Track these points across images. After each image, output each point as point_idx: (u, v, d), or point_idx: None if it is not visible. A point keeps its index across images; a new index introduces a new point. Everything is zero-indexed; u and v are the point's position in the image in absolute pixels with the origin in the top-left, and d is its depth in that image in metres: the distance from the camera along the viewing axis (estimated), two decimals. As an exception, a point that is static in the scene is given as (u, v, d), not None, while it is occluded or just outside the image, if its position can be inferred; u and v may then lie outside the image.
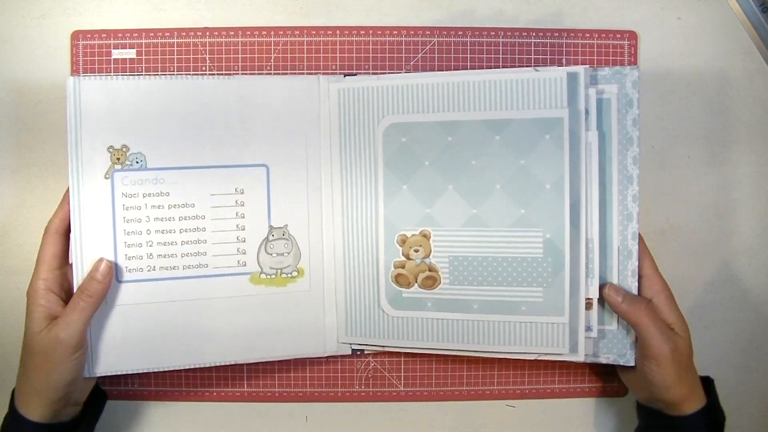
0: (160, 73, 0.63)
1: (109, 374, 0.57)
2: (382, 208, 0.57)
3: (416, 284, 0.56)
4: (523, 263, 0.53)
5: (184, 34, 0.62)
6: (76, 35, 0.61)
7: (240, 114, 0.59)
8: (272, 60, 0.62)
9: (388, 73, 0.62)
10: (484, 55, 0.62)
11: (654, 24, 0.62)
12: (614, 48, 0.62)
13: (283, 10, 0.62)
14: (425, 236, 0.55)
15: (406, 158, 0.56)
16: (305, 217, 0.59)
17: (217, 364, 0.59)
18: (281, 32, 0.62)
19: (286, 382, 0.63)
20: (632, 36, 0.62)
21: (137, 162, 0.58)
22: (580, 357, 0.54)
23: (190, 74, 0.60)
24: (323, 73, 0.61)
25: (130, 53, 0.62)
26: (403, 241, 0.56)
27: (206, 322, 0.58)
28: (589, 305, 0.54)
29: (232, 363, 0.59)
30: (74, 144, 0.57)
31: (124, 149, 0.58)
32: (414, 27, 0.62)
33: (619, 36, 0.62)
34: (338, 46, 0.62)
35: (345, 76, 0.58)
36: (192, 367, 0.58)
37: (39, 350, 0.52)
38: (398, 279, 0.56)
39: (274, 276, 0.59)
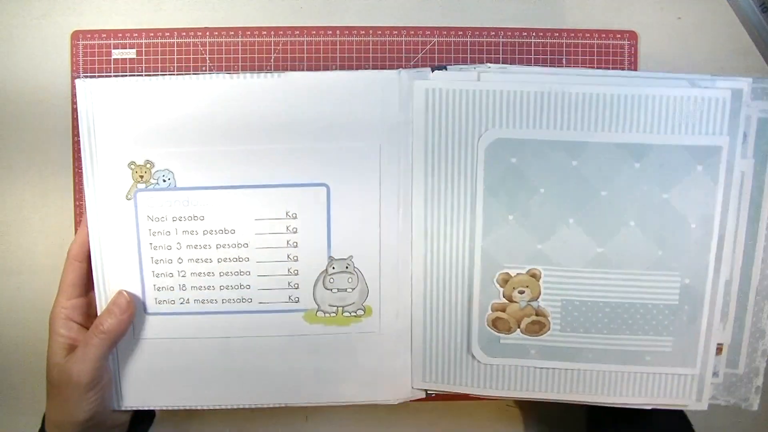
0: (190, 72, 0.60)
1: (139, 408, 0.55)
2: (479, 240, 0.51)
3: (518, 330, 0.51)
4: (653, 311, 0.50)
5: (184, 34, 0.63)
6: (76, 35, 0.63)
7: (293, 121, 0.51)
8: (272, 60, 0.63)
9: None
10: (485, 55, 0.65)
11: (654, 24, 0.65)
12: (614, 48, 0.64)
13: (283, 10, 0.65)
14: (534, 276, 0.50)
15: (515, 183, 0.50)
16: (376, 247, 0.53)
17: (269, 406, 0.55)
18: (281, 32, 0.64)
19: (286, 382, 0.65)
20: (632, 36, 0.64)
21: (164, 180, 0.51)
22: (703, 406, 0.53)
23: (228, 73, 0.49)
24: (405, 67, 0.52)
25: (130, 53, 0.63)
26: (505, 280, 0.51)
27: (254, 361, 0.54)
28: (719, 350, 0.52)
29: (284, 405, 0.55)
30: (89, 159, 0.51)
31: (148, 165, 0.51)
32: (414, 27, 0.64)
33: (619, 36, 0.64)
34: (338, 46, 0.64)
35: (433, 69, 0.50)
36: (240, 407, 0.55)
37: (55, 382, 0.51)
38: (496, 323, 0.51)
39: (334, 314, 0.54)
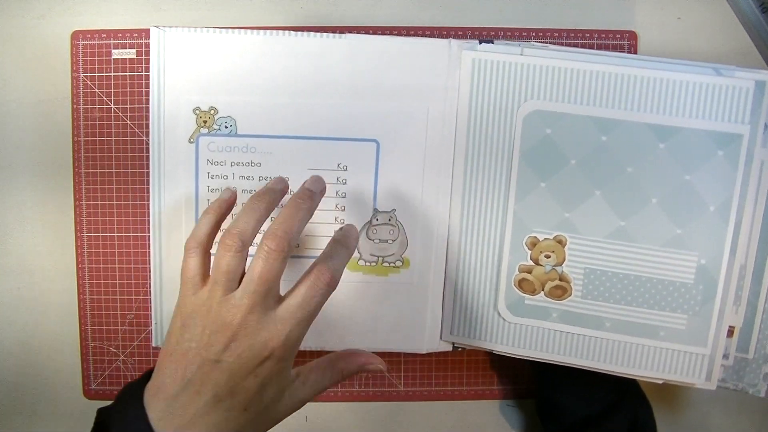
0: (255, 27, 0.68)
1: None
2: (512, 203, 0.64)
3: (542, 292, 0.64)
4: (669, 287, 0.62)
5: (184, 34, 0.73)
6: (76, 35, 0.72)
7: (350, 79, 0.64)
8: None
9: (535, 40, 0.70)
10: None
11: (654, 24, 0.74)
12: (614, 48, 0.73)
13: (283, 10, 0.74)
14: (560, 242, 0.63)
15: (549, 152, 0.62)
16: (418, 202, 0.66)
17: (309, 350, 0.68)
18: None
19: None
20: (632, 36, 0.73)
21: (226, 127, 0.64)
22: (712, 386, 0.64)
23: (292, 30, 0.63)
24: (455, 37, 0.65)
25: (130, 53, 0.73)
26: (533, 244, 0.64)
27: None
28: (730, 333, 0.63)
29: (322, 350, 0.67)
30: (156, 103, 0.63)
31: (212, 112, 0.64)
32: (414, 27, 0.73)
33: (619, 36, 0.73)
34: (338, 47, 0.74)
35: (480, 42, 0.63)
36: None
37: None
38: (522, 284, 0.64)
39: (374, 264, 0.67)
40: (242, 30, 0.63)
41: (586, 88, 0.60)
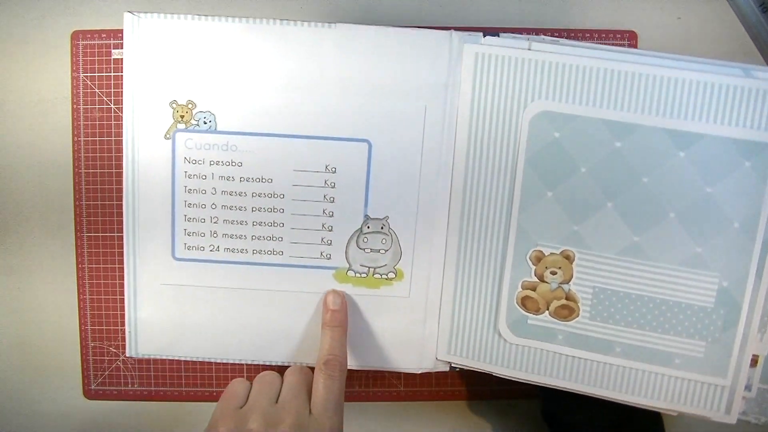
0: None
1: (156, 357, 0.65)
2: (516, 214, 0.60)
3: (547, 312, 0.61)
4: (687, 311, 0.58)
5: (184, 33, 0.72)
6: (76, 35, 0.73)
7: (340, 73, 0.60)
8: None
9: (544, 34, 0.68)
10: (485, 55, 0.75)
11: (654, 24, 0.74)
12: None
13: (283, 10, 0.74)
14: (567, 258, 0.59)
15: (557, 158, 0.58)
16: (413, 209, 0.62)
17: (287, 364, 0.65)
18: (281, 32, 0.72)
19: (286, 381, 0.72)
20: (632, 36, 0.74)
21: (205, 122, 0.61)
22: (732, 419, 0.59)
23: (280, 19, 0.60)
24: (456, 28, 0.61)
25: None
26: (538, 258, 0.60)
27: (279, 316, 0.64)
28: (754, 362, 0.59)
29: (307, 364, 0.64)
30: (130, 95, 0.61)
31: (190, 106, 0.61)
32: (414, 27, 0.70)
33: (619, 36, 0.74)
34: (338, 46, 0.74)
35: (485, 35, 0.59)
36: (258, 363, 0.65)
37: None
38: (525, 302, 0.61)
39: (365, 275, 0.63)
40: (224, 18, 0.60)
41: (600, 88, 0.56)
